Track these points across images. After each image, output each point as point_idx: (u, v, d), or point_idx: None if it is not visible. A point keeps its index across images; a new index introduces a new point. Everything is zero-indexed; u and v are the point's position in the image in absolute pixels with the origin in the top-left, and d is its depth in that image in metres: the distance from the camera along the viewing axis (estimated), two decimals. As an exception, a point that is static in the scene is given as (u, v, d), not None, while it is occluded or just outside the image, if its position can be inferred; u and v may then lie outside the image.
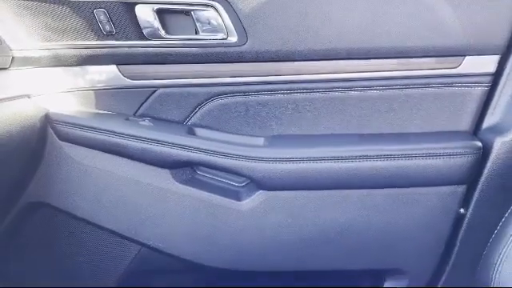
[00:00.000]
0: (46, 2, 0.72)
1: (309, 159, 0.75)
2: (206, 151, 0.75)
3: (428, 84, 0.78)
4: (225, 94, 0.78)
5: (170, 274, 0.85)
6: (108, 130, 0.74)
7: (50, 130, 0.74)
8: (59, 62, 0.75)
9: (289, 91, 0.78)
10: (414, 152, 0.75)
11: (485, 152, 0.76)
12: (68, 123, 0.74)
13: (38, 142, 0.73)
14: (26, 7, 0.71)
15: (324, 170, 0.75)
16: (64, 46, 0.74)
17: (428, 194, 0.77)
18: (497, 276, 0.61)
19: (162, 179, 0.76)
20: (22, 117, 0.69)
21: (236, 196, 0.78)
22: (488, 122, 0.79)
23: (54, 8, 0.73)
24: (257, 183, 0.76)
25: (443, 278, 0.82)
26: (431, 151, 0.75)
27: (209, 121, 0.80)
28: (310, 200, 0.77)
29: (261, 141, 0.79)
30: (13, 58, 0.69)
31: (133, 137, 0.74)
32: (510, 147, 0.75)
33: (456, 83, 0.78)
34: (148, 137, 0.74)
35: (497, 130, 0.77)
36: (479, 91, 0.78)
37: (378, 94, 0.79)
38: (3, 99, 0.66)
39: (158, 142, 0.75)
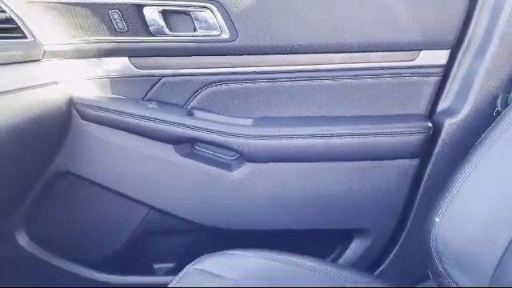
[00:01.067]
0: (69, 5, 0.86)
1: (288, 136, 0.89)
2: (202, 129, 0.89)
3: (390, 74, 0.91)
4: (218, 82, 0.92)
5: (175, 234, 0.99)
6: (121, 111, 0.88)
7: (74, 111, 0.88)
8: (81, 54, 0.88)
9: (272, 80, 0.92)
10: (376, 131, 0.89)
11: (437, 131, 0.90)
12: (88, 105, 0.88)
13: (63, 121, 0.87)
14: (54, 9, 0.85)
15: (301, 145, 0.89)
16: (85, 41, 0.88)
17: (387, 166, 0.91)
18: (434, 232, 0.75)
19: (167, 153, 0.91)
20: (51, 100, 0.83)
21: (228, 167, 0.92)
22: (441, 106, 0.93)
23: (76, 9, 0.86)
24: (245, 157, 0.90)
25: (402, 238, 0.96)
26: (390, 130, 0.89)
27: (205, 104, 0.94)
28: (289, 171, 0.91)
29: (249, 121, 0.93)
30: (44, 51, 0.83)
31: (142, 117, 0.88)
32: (458, 127, 0.88)
33: (414, 73, 0.91)
34: (154, 117, 0.88)
35: (447, 113, 0.91)
36: (433, 80, 0.91)
37: (349, 82, 0.92)
38: (36, 85, 0.80)
39: (162, 121, 0.89)
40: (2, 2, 0.79)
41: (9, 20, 0.78)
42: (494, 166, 0.72)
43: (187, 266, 0.77)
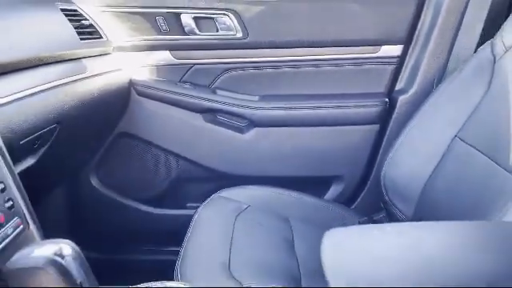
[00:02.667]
0: (129, 13, 1.18)
1: (284, 108, 1.21)
2: (222, 103, 1.22)
3: (359, 63, 1.23)
4: (234, 69, 1.24)
5: (201, 179, 1.32)
6: (165, 90, 1.21)
7: (132, 89, 1.21)
8: (137, 48, 1.22)
9: (273, 67, 1.24)
10: (348, 104, 1.21)
11: (393, 105, 1.21)
12: (142, 85, 1.21)
13: (125, 96, 1.20)
14: (119, 16, 1.18)
15: (293, 115, 1.22)
16: (140, 39, 1.21)
17: (356, 130, 1.23)
18: (384, 172, 1.06)
19: (196, 120, 1.23)
20: (118, 81, 1.17)
21: (240, 131, 1.25)
22: (397, 87, 1.24)
23: (134, 16, 1.19)
24: (253, 123, 1.23)
25: (369, 181, 1.27)
26: (358, 104, 1.21)
27: (224, 85, 1.26)
28: (284, 133, 1.23)
29: (256, 98, 1.25)
30: (113, 47, 1.16)
31: (179, 93, 1.21)
32: (408, 102, 1.19)
33: (377, 63, 1.22)
34: (189, 94, 1.21)
35: (401, 92, 1.22)
36: (391, 68, 1.22)
37: (329, 69, 1.24)
38: (108, 71, 1.13)
39: (194, 97, 1.22)
40: (85, 13, 1.12)
41: (90, 25, 1.12)
42: (423, 126, 1.03)
43: (212, 195, 1.10)
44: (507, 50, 0.94)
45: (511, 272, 0.48)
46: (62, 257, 0.37)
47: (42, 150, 0.89)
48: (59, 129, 0.88)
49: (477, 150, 0.88)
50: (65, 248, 0.38)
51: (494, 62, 0.95)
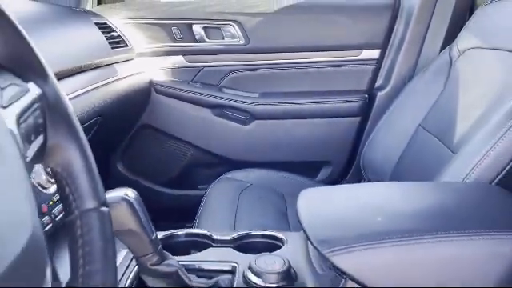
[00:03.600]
0: (149, 24, 1.39)
1: (280, 103, 1.42)
2: (227, 99, 1.42)
3: (344, 65, 1.43)
4: (237, 70, 1.44)
5: (210, 165, 1.53)
6: (179, 88, 1.42)
7: (152, 88, 1.42)
8: (156, 54, 1.43)
9: (270, 69, 1.44)
10: (334, 100, 1.41)
11: (372, 100, 1.41)
12: (160, 85, 1.42)
13: (146, 94, 1.41)
14: (140, 27, 1.39)
15: (287, 109, 1.42)
16: (158, 46, 1.42)
17: (340, 121, 1.43)
18: (363, 155, 1.26)
19: (206, 113, 1.44)
20: (140, 82, 1.37)
21: (243, 122, 1.45)
22: (376, 85, 1.43)
23: (153, 27, 1.40)
24: (253, 116, 1.43)
25: (353, 165, 1.47)
26: (342, 99, 1.41)
27: (229, 84, 1.46)
28: (279, 124, 1.43)
29: (256, 94, 1.45)
30: (136, 53, 1.37)
31: (191, 92, 1.42)
32: (385, 97, 1.39)
33: (359, 64, 1.42)
34: (199, 92, 1.41)
35: (379, 88, 1.42)
36: (370, 68, 1.42)
37: (317, 70, 1.44)
38: (133, 74, 1.34)
39: (204, 94, 1.42)
40: (114, 25, 1.33)
41: (118, 36, 1.32)
42: (395, 117, 1.24)
43: (220, 176, 1.31)
44: (461, 54, 1.13)
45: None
46: (129, 198, 0.57)
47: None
48: (100, 120, 1.09)
49: (433, 135, 1.08)
50: (130, 192, 0.58)
51: (451, 64, 1.15)
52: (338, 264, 0.56)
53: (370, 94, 1.43)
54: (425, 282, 0.56)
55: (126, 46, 1.34)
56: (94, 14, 1.31)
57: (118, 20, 1.37)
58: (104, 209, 0.38)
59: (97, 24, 1.24)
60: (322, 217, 0.66)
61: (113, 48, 1.25)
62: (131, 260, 0.70)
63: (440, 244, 0.56)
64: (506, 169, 0.73)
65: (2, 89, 0.33)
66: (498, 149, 0.74)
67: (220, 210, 1.14)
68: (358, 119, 1.43)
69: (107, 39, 1.24)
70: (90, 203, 0.37)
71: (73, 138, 0.37)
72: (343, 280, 0.58)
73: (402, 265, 0.57)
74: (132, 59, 1.37)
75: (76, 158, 0.37)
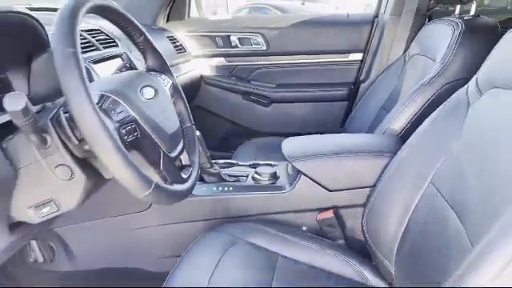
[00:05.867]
0: (199, 36, 1.96)
1: (290, 91, 1.95)
2: (253, 88, 1.98)
3: (337, 64, 1.94)
4: (260, 68, 1.99)
5: (240, 135, 2.09)
6: (220, 80, 1.99)
7: (202, 81, 2.00)
8: (205, 56, 2.00)
9: (284, 67, 1.98)
10: (328, 89, 1.93)
11: (356, 89, 1.91)
12: (207, 78, 1.99)
13: (198, 84, 1.99)
14: (195, 38, 1.96)
15: (295, 95, 1.95)
16: (206, 51, 1.99)
17: (333, 104, 1.94)
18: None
19: (238, 98, 2.00)
20: (194, 77, 1.95)
21: (265, 105, 1.99)
22: (360, 78, 1.94)
23: (202, 38, 1.97)
24: (272, 100, 1.98)
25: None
26: (334, 89, 1.92)
27: (254, 77, 2.01)
28: (290, 106, 1.97)
29: (273, 85, 1.99)
30: (192, 56, 1.95)
31: (229, 83, 1.98)
32: (365, 87, 1.89)
33: (347, 64, 1.93)
34: (234, 83, 1.98)
35: (361, 81, 1.92)
36: (356, 67, 1.93)
37: (317, 68, 1.96)
38: (189, 71, 1.91)
39: (237, 84, 1.98)
40: (177, 37, 1.90)
41: (180, 44, 1.90)
42: (369, 98, 1.75)
43: (245, 142, 1.87)
44: (410, 58, 1.62)
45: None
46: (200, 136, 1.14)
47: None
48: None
49: (387, 111, 1.57)
50: (200, 134, 1.15)
51: (404, 64, 1.63)
52: (298, 167, 1.10)
53: (355, 84, 1.93)
54: (339, 172, 1.08)
55: (185, 51, 1.92)
56: (165, 30, 1.89)
57: (180, 33, 1.95)
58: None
59: (167, 37, 1.82)
60: (293, 146, 1.20)
61: (177, 53, 1.83)
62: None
63: (347, 159, 1.09)
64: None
65: (163, 78, 0.90)
66: None
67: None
68: (345, 103, 1.94)
69: (174, 47, 1.82)
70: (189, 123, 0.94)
71: (181, 97, 0.94)
72: (299, 175, 1.12)
73: (329, 168, 1.10)
74: (189, 60, 1.94)
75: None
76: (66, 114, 0.68)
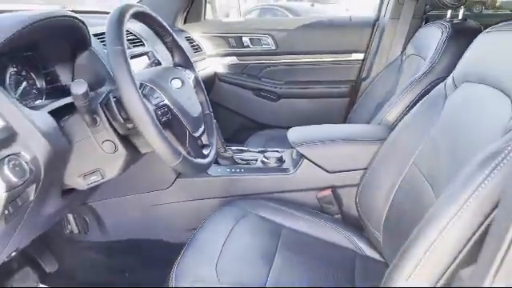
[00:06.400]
0: (214, 36, 2.13)
1: (297, 88, 2.11)
2: (263, 84, 2.13)
3: (340, 63, 2.09)
4: (270, 66, 2.15)
5: (250, 127, 2.25)
6: (233, 77, 2.15)
7: (216, 77, 2.16)
8: (218, 55, 2.17)
9: (291, 65, 2.13)
10: (332, 86, 2.08)
11: (358, 87, 2.06)
12: (221, 75, 2.16)
13: (212, 81, 2.15)
14: (209, 38, 2.13)
15: (302, 91, 2.11)
16: (220, 50, 2.15)
17: (337, 101, 2.09)
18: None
19: (249, 94, 2.16)
20: (209, 74, 2.11)
21: (273, 100, 2.15)
22: (361, 76, 2.08)
23: (216, 38, 2.14)
24: (280, 96, 2.13)
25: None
26: (337, 86, 2.07)
27: (265, 75, 2.17)
28: (297, 101, 2.12)
29: (282, 82, 2.14)
30: (207, 55, 2.11)
31: (241, 79, 2.14)
32: (366, 85, 2.03)
33: (350, 63, 2.08)
34: (246, 79, 2.14)
35: (363, 79, 2.06)
36: (358, 66, 2.07)
37: (322, 67, 2.11)
38: (204, 68, 2.07)
39: (248, 81, 2.14)
40: (194, 38, 2.07)
41: (196, 44, 2.06)
42: (369, 95, 1.89)
43: (256, 133, 2.03)
44: (406, 58, 1.76)
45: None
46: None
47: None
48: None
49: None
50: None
51: (401, 63, 1.78)
52: (301, 151, 1.26)
53: (357, 82, 2.07)
54: (337, 156, 1.24)
55: (201, 50, 2.08)
56: (183, 31, 2.06)
57: (196, 34, 2.12)
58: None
59: (185, 37, 1.99)
60: (297, 134, 1.36)
61: (194, 52, 1.99)
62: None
63: (343, 145, 1.24)
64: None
65: (187, 72, 1.06)
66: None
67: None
68: (347, 100, 2.09)
69: (191, 46, 1.98)
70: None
71: (201, 88, 1.10)
72: (302, 159, 1.27)
73: (328, 152, 1.26)
74: (204, 59, 2.11)
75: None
76: (114, 99, 0.84)
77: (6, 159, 0.74)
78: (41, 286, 1.37)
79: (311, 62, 2.12)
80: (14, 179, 0.72)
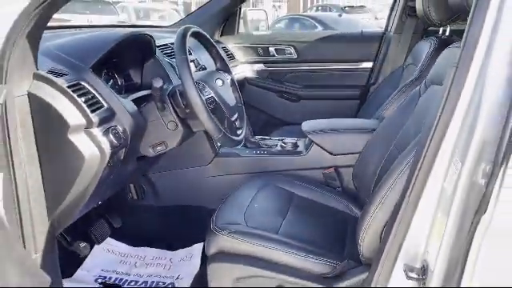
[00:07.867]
0: (243, 47, 2.49)
1: (315, 91, 2.43)
2: (286, 88, 2.47)
3: (352, 71, 2.40)
4: (292, 72, 2.49)
5: (271, 124, 2.58)
6: (260, 81, 2.50)
7: (246, 81, 2.51)
8: (248, 62, 2.52)
9: (309, 72, 2.46)
10: (344, 90, 2.39)
11: (367, 91, 2.36)
12: (250, 79, 2.51)
13: (242, 84, 2.50)
14: (239, 49, 2.49)
15: (319, 93, 2.43)
16: (249, 58, 2.51)
17: (347, 103, 2.40)
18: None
19: (275, 96, 2.50)
20: (239, 78, 2.46)
21: (294, 101, 2.48)
22: (370, 82, 2.38)
23: (244, 48, 2.49)
24: (300, 97, 2.46)
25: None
26: (349, 90, 2.38)
27: (287, 79, 2.50)
28: (314, 103, 2.44)
29: (301, 86, 2.47)
30: (239, 62, 2.47)
31: (267, 83, 2.48)
32: (374, 89, 2.33)
33: (360, 70, 2.39)
34: (271, 83, 2.48)
35: (371, 84, 2.36)
36: (367, 73, 2.37)
37: (337, 73, 2.43)
38: (236, 73, 2.43)
39: (273, 85, 2.48)
40: (228, 48, 2.43)
41: (231, 53, 2.42)
42: (377, 95, 2.20)
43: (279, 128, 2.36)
44: (405, 68, 2.05)
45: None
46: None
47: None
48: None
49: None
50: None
51: (402, 72, 2.07)
52: (311, 138, 1.59)
53: (366, 87, 2.38)
54: (339, 142, 1.56)
55: (234, 58, 2.44)
56: (220, 42, 2.42)
57: (230, 45, 2.48)
58: None
59: (221, 47, 2.35)
60: (309, 125, 1.69)
61: (229, 60, 2.34)
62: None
63: (344, 133, 1.56)
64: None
65: (226, 75, 1.41)
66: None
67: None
68: (357, 102, 2.39)
69: (226, 55, 2.34)
70: None
71: (236, 87, 1.45)
72: (312, 144, 1.60)
73: (333, 139, 1.58)
74: (237, 66, 2.46)
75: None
76: (178, 91, 1.21)
77: (110, 129, 1.11)
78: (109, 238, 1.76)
79: (327, 69, 2.44)
80: (115, 142, 1.09)
